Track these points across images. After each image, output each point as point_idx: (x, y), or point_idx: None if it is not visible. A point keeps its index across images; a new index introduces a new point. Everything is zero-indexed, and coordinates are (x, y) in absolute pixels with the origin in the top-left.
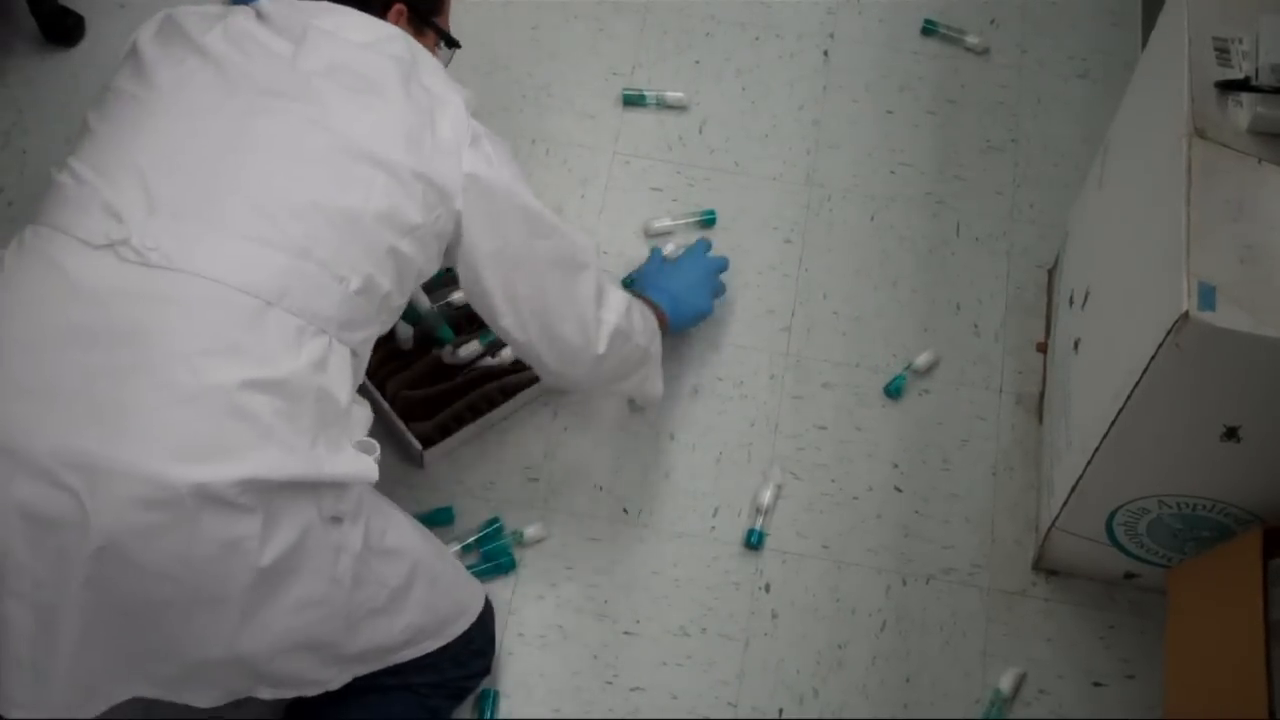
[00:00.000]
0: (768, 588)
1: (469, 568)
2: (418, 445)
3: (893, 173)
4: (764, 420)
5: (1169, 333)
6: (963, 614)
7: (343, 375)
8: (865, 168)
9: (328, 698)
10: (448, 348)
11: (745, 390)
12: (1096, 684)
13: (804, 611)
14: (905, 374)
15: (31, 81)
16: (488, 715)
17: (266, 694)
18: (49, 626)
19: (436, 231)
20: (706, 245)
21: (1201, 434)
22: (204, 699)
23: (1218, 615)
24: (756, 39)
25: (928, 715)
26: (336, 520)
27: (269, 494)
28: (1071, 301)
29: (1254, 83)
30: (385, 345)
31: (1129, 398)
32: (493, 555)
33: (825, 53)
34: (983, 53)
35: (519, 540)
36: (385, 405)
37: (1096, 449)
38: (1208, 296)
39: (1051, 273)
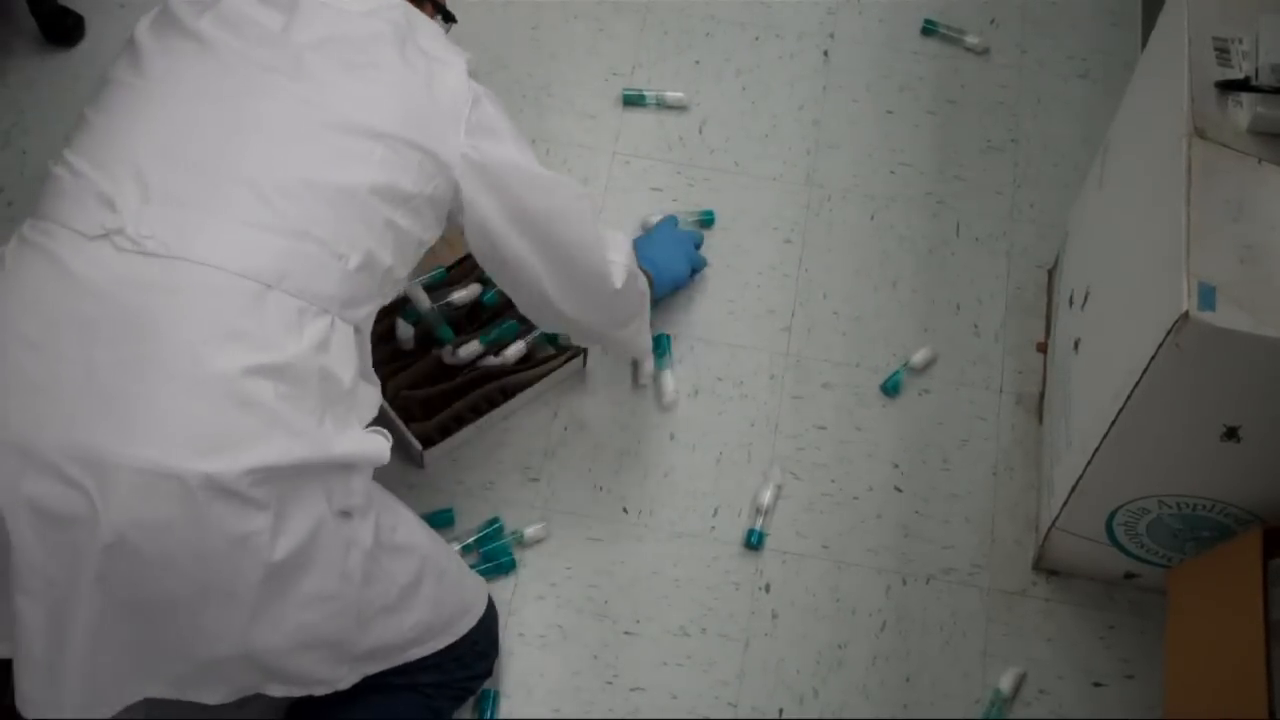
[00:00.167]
0: (768, 588)
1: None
2: (418, 445)
3: (893, 173)
4: (764, 420)
5: (1169, 333)
6: (963, 614)
7: (346, 354)
8: (865, 168)
9: (332, 697)
10: (448, 348)
11: (745, 390)
12: (1096, 684)
13: (804, 611)
14: (902, 371)
15: (31, 81)
16: (488, 715)
17: (277, 691)
18: (61, 625)
19: (434, 200)
20: (674, 220)
21: (1201, 434)
22: (214, 696)
23: (1218, 615)
24: (756, 39)
25: (928, 715)
26: (346, 515)
27: (279, 482)
28: (1071, 301)
29: (1254, 83)
30: (385, 345)
31: (1129, 398)
32: (493, 555)
33: (825, 53)
34: (983, 53)
35: (519, 540)
36: (385, 405)
37: (1096, 449)
38: (1208, 296)
39: (1051, 273)
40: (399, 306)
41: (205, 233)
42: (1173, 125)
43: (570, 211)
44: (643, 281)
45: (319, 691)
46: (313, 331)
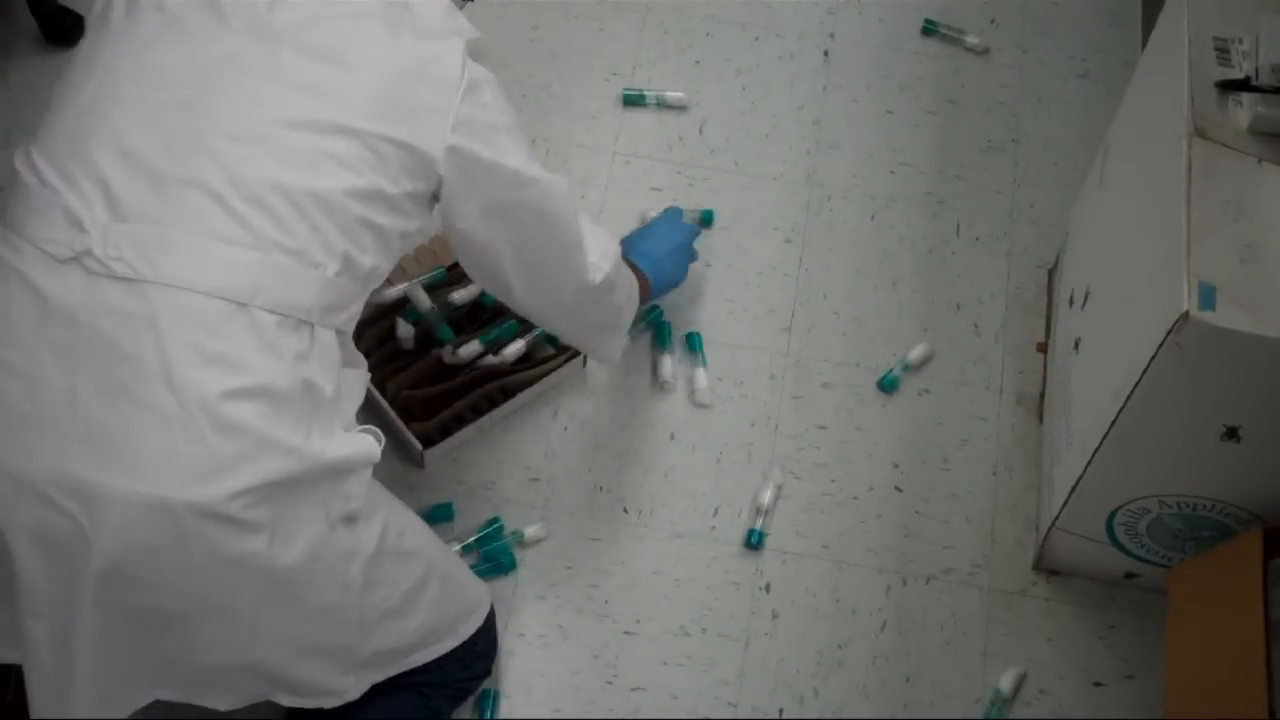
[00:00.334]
0: (768, 588)
1: (470, 568)
2: (418, 445)
3: (893, 173)
4: (764, 420)
5: (1169, 333)
6: (963, 614)
7: (329, 359)
8: (865, 168)
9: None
10: (448, 348)
11: (745, 390)
12: (1096, 684)
13: (804, 611)
14: (898, 368)
15: (31, 82)
16: (488, 715)
17: (286, 700)
18: (65, 644)
19: (416, 195)
20: (679, 213)
21: (1201, 434)
22: (222, 702)
23: (1218, 615)
24: (756, 39)
25: (928, 715)
26: (350, 520)
27: (273, 501)
28: (1071, 301)
29: (1254, 83)
30: (385, 345)
31: (1129, 398)
32: (493, 555)
33: (825, 53)
34: (983, 53)
35: (519, 540)
36: (385, 405)
37: (1097, 449)
38: (1208, 296)
39: (1051, 273)
40: (399, 306)
41: (174, 253)
42: (1173, 125)
43: (551, 213)
44: (624, 293)
45: (329, 703)
46: (292, 345)
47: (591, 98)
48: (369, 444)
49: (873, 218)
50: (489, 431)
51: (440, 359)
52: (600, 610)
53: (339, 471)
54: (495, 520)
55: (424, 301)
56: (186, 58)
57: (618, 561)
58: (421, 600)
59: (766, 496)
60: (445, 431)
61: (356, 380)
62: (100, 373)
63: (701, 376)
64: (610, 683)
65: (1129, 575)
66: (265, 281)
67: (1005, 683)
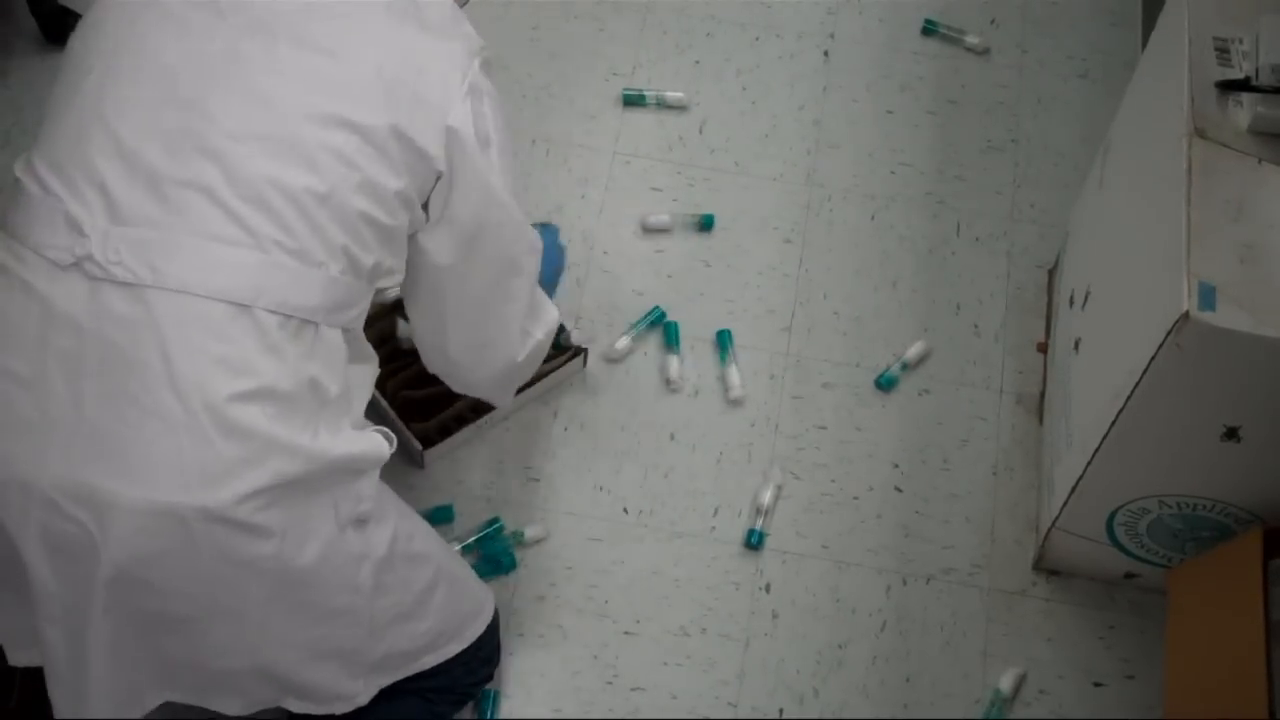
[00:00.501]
0: (768, 588)
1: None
2: (418, 445)
3: (893, 173)
4: (764, 420)
5: (1169, 333)
6: (963, 614)
7: (335, 357)
8: (865, 168)
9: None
10: None
11: (745, 390)
12: (1096, 684)
13: (804, 611)
14: (896, 367)
15: (31, 82)
16: (488, 715)
17: (295, 706)
18: (79, 649)
19: (422, 190)
20: (556, 231)
21: (1201, 434)
22: (231, 706)
23: (1218, 615)
24: (756, 39)
25: (928, 715)
26: (360, 523)
27: (282, 503)
28: (1071, 301)
29: (1254, 83)
30: (385, 345)
31: (1129, 398)
32: (493, 555)
33: (825, 53)
34: (983, 53)
35: (519, 540)
36: (385, 405)
37: (1097, 449)
38: (1208, 296)
39: (1051, 273)
40: (399, 306)
41: (174, 256)
42: (1173, 125)
43: (514, 259)
44: (538, 359)
45: (338, 709)
46: (297, 345)
47: (591, 98)
48: (378, 443)
49: (873, 218)
50: (489, 431)
51: None
52: (600, 610)
53: (349, 471)
54: (495, 520)
55: None
56: (185, 55)
57: (618, 561)
58: (431, 603)
59: (766, 497)
60: (445, 431)
61: (365, 375)
62: (105, 379)
63: (734, 374)
64: (610, 683)
65: (1129, 575)
66: (267, 283)
67: (1005, 683)
